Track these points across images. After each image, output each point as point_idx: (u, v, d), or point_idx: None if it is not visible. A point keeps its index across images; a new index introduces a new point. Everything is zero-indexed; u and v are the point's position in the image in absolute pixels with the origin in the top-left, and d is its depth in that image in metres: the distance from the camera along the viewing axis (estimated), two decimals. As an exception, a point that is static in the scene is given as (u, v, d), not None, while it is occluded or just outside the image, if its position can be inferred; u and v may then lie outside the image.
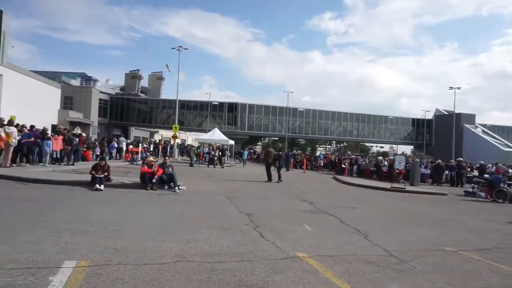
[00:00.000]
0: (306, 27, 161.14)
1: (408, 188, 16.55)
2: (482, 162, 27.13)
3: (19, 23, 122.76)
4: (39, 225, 5.51)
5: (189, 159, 25.37)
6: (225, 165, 28.29)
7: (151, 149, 29.61)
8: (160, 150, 31.30)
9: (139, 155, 24.50)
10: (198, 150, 26.66)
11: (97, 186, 9.83)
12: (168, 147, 34.35)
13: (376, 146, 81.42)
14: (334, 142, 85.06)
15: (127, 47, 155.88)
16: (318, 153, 55.27)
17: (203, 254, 4.57)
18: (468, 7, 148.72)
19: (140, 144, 26.36)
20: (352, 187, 16.74)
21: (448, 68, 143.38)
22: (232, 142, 32.76)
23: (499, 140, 64.44)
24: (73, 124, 31.27)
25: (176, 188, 11.11)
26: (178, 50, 41.84)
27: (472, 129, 65.46)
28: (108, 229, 5.54)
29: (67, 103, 45.11)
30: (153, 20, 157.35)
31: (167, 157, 13.09)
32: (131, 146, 26.75)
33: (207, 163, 26.14)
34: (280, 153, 19.71)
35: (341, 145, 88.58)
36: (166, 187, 11.08)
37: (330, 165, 30.77)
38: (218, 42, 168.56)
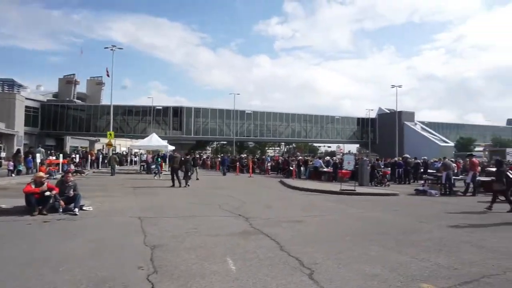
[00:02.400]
0: (253, 31, 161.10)
1: (358, 189, 15.29)
2: (426, 158, 27.22)
3: None
4: None
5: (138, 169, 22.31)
6: (165, 173, 25.77)
7: (77, 159, 26.02)
8: (89, 161, 27.78)
9: (60, 167, 21.21)
10: (159, 160, 23.42)
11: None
12: (101, 156, 30.77)
13: (324, 146, 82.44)
14: (283, 143, 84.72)
15: (68, 53, 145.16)
16: (269, 156, 53.93)
17: None
18: (402, 14, 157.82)
19: (61, 155, 22.80)
20: (299, 193, 15.10)
21: (387, 70, 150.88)
22: (171, 147, 30.04)
23: (436, 136, 67.74)
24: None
25: (77, 210, 8.61)
26: (111, 49, 38.37)
27: (412, 126, 68.21)
28: None
29: (-16, 112, 39.63)
30: (96, 25, 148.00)
31: (70, 174, 10.17)
32: (50, 157, 23.20)
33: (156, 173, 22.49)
34: (188, 157, 18.10)
35: (290, 146, 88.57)
36: (61, 210, 8.51)
37: (277, 167, 29.33)
38: (165, 47, 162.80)
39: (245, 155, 41.56)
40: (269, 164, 30.86)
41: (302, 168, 26.20)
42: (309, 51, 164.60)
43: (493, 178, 11.84)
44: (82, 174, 22.68)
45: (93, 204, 9.83)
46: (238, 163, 29.71)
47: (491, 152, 50.40)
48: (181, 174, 16.43)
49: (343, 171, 18.45)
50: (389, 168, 21.90)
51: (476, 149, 60.09)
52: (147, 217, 8.28)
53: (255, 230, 7.03)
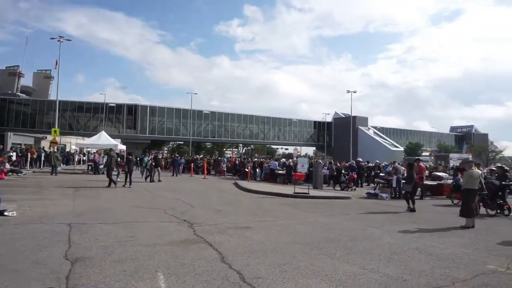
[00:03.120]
0: (214, 32, 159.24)
1: (312, 192, 15.17)
2: (378, 161, 28.02)
3: None
4: None
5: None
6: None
7: (14, 158, 23.79)
8: (28, 159, 25.54)
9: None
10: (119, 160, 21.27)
11: None
12: (43, 154, 28.48)
13: (282, 148, 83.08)
14: (241, 145, 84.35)
15: (14, 43, 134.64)
16: (228, 157, 53.25)
17: None
18: (358, 24, 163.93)
19: (-6, 152, 20.67)
20: (252, 196, 14.68)
21: (343, 77, 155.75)
22: (122, 146, 28.52)
23: (387, 140, 70.72)
24: None
25: (-5, 215, 7.53)
26: (59, 41, 35.76)
27: (366, 131, 70.69)
28: None
29: None
30: (45, 15, 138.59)
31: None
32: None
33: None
34: (130, 157, 17.34)
35: (249, 147, 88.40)
36: (-25, 216, 7.40)
37: (233, 169, 28.81)
38: (122, 43, 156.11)
39: (201, 156, 40.63)
40: (224, 166, 30.26)
41: (258, 170, 25.92)
42: (269, 55, 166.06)
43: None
44: (19, 174, 20.75)
45: (20, 209, 8.76)
46: (192, 164, 28.81)
47: (436, 157, 53.36)
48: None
49: (297, 173, 18.32)
50: (355, 172, 21.60)
51: (423, 154, 63.45)
52: (79, 223, 7.41)
53: (198, 238, 6.45)
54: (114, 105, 59.69)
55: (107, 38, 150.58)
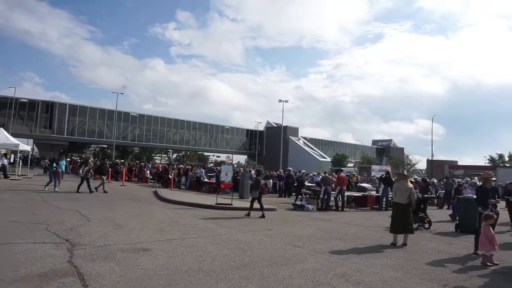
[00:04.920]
0: (149, 33, 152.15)
1: (236, 203, 14.03)
2: (304, 171, 28.00)
3: None
4: None
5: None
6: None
7: None
8: None
9: None
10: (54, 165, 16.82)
11: None
12: None
13: (214, 155, 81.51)
14: (171, 151, 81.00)
15: None
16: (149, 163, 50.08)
17: None
18: (292, 38, 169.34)
19: None
20: (169, 207, 13.05)
21: (277, 87, 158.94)
22: (26, 147, 24.74)
23: (316, 151, 73.10)
24: None
25: None
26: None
27: (296, 141, 72.35)
28: None
29: None
30: None
31: None
32: None
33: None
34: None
35: (180, 154, 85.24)
36: None
37: (157, 175, 26.67)
38: (44, 35, 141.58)
39: (122, 160, 37.49)
40: (148, 172, 27.94)
41: (183, 178, 24.22)
42: (205, 61, 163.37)
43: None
44: None
45: None
46: (111, 169, 26.02)
47: (360, 168, 56.11)
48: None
49: (225, 182, 17.11)
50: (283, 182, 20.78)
51: (348, 164, 66.59)
52: None
53: (70, 268, 4.82)
54: (26, 100, 53.17)
55: (26, 28, 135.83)
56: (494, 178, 11.19)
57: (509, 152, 62.58)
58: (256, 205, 11.65)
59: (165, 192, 17.78)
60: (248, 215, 11.52)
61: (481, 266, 6.42)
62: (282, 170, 25.11)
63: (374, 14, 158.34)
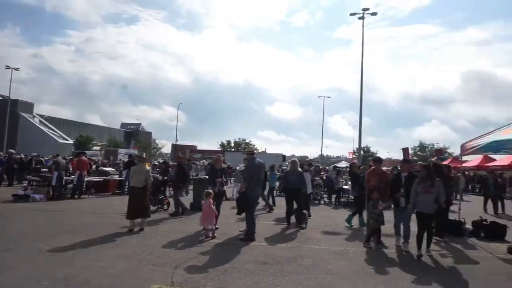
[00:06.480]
0: None
1: None
2: (35, 154, 23.95)
3: None
4: None
5: None
6: None
7: None
8: None
9: None
10: None
11: None
12: None
13: None
14: None
15: None
16: None
17: None
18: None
19: None
20: None
21: (8, 52, 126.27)
22: None
23: (56, 132, 64.42)
24: None
25: None
26: None
27: (30, 119, 61.24)
28: None
29: None
30: None
31: None
32: None
33: None
34: None
35: None
36: None
37: None
38: None
39: None
40: None
41: None
42: None
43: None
44: None
45: None
46: None
47: (106, 151, 53.49)
48: None
49: None
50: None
51: (94, 148, 62.19)
52: None
53: None
54: None
55: None
56: (223, 158, 12.82)
57: (234, 139, 75.83)
58: None
59: None
60: None
61: (206, 240, 7.04)
62: (2, 153, 20.19)
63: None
